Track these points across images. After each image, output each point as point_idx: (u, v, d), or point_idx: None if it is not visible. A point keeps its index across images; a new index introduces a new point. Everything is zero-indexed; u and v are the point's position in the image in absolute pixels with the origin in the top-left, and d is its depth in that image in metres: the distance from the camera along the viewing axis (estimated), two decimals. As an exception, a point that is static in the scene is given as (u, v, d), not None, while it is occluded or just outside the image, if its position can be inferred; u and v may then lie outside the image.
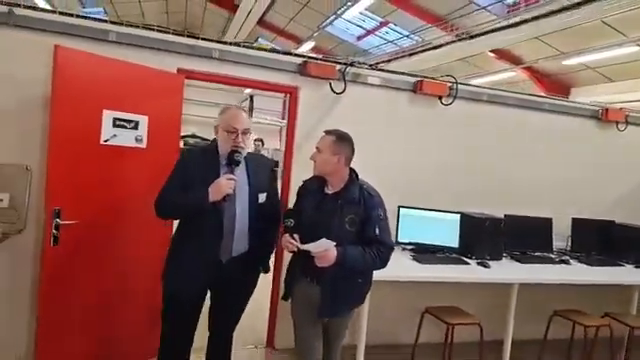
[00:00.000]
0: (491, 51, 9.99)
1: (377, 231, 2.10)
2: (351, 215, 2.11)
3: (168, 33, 3.07)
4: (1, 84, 2.67)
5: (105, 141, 2.62)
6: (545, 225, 3.57)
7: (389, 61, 10.64)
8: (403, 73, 3.59)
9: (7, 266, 2.70)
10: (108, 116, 2.64)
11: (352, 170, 2.23)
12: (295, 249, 2.09)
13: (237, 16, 12.85)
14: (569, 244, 3.71)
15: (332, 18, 11.10)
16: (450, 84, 3.54)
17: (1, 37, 2.67)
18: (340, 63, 3.37)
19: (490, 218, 3.35)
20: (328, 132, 2.23)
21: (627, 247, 3.69)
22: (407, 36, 11.69)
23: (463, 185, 3.59)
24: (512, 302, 3.09)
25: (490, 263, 3.16)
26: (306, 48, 12.42)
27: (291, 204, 3.17)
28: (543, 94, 4.30)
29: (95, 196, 2.60)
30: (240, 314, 2.37)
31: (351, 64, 3.35)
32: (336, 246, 2.01)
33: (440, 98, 3.55)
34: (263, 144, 8.39)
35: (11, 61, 2.68)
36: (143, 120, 2.78)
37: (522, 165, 3.81)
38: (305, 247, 2.03)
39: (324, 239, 1.99)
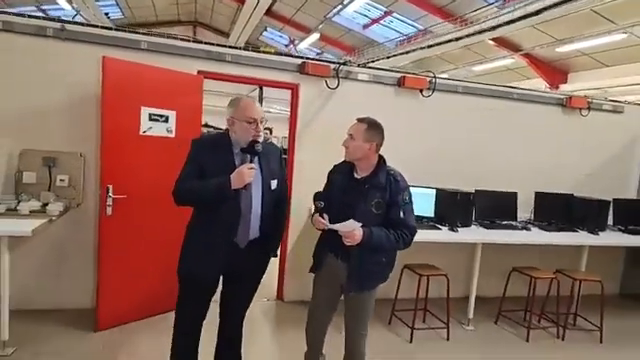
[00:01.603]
0: (491, 39, 10.35)
1: (402, 214, 2.21)
2: (377, 199, 2.20)
3: (189, 41, 3.72)
4: (55, 87, 3.35)
5: (143, 132, 3.30)
6: (511, 198, 4.16)
7: (407, 52, 10.89)
8: (388, 70, 4.18)
9: (71, 233, 3.43)
10: (145, 112, 3.30)
11: (380, 156, 2.32)
12: (325, 227, 2.20)
13: (245, 7, 13.29)
14: (532, 215, 4.30)
15: (339, 8, 11.47)
16: (429, 78, 4.12)
17: (55, 48, 3.34)
18: (334, 63, 3.97)
19: (461, 192, 3.96)
20: (361, 120, 2.28)
21: (584, 217, 4.28)
22: (411, 25, 12.07)
23: (441, 165, 4.19)
24: (477, 260, 3.73)
25: (460, 229, 3.79)
26: (312, 40, 12.84)
27: (295, 183, 3.86)
28: (513, 85, 4.81)
29: (137, 176, 3.27)
30: (251, 299, 2.44)
31: (343, 63, 3.95)
32: (362, 227, 2.12)
33: (421, 91, 4.14)
34: (271, 132, 8.91)
35: (63, 68, 3.35)
36: (172, 114, 3.45)
37: (493, 147, 4.40)
38: (333, 227, 2.15)
39: (351, 220, 2.11)
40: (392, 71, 4.18)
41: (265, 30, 17.48)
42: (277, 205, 2.32)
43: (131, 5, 16.49)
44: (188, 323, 2.30)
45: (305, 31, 14.28)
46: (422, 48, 10.15)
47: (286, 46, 17.12)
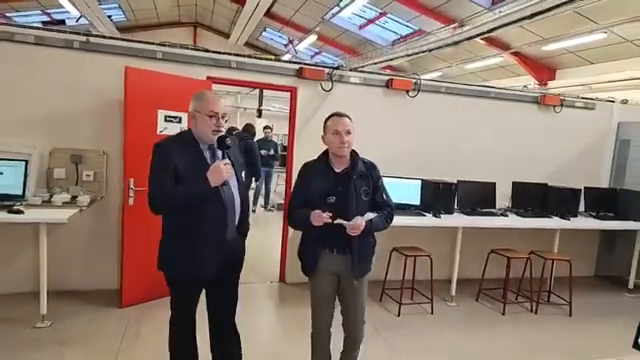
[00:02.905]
0: (481, 38, 10.74)
1: (384, 196, 2.41)
2: (364, 187, 2.33)
3: (199, 50, 4.13)
4: (81, 93, 3.78)
5: (160, 132, 3.73)
6: (490, 188, 4.59)
7: (408, 56, 11.18)
8: (377, 73, 4.61)
9: (97, 221, 3.87)
10: (161, 114, 3.74)
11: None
12: (327, 221, 2.19)
13: (245, 8, 13.67)
14: (510, 203, 4.74)
15: (336, 10, 11.84)
16: (415, 80, 4.55)
17: (81, 58, 3.77)
18: (328, 67, 4.40)
19: (444, 183, 4.39)
20: (345, 115, 2.38)
21: (557, 204, 4.72)
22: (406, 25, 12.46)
23: (426, 158, 4.63)
24: (458, 242, 4.17)
25: (443, 216, 4.22)
26: (310, 41, 13.24)
27: (295, 177, 4.29)
28: (492, 85, 5.24)
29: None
30: (238, 288, 2.40)
31: (336, 68, 4.38)
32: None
33: (407, 92, 4.57)
34: (272, 130, 9.30)
35: (88, 75, 3.78)
36: (184, 116, 3.87)
37: (474, 141, 4.83)
38: (343, 222, 2.20)
39: (357, 217, 2.22)
40: (380, 74, 4.61)
41: (264, 30, 17.82)
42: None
43: (134, 8, 16.82)
44: (186, 318, 2.28)
45: (303, 31, 14.65)
46: (423, 52, 10.51)
47: (285, 46, 17.48)
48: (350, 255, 2.32)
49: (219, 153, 2.16)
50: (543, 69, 11.14)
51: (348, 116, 2.37)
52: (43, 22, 15.81)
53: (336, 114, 2.40)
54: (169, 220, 2.19)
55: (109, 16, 16.49)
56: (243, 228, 2.31)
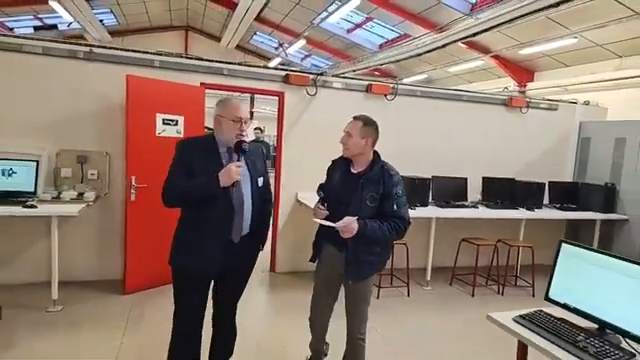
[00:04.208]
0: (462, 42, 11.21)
1: (395, 207, 2.31)
2: (372, 193, 2.30)
3: (193, 59, 4.50)
4: (85, 99, 4.12)
5: (159, 133, 4.09)
6: (462, 183, 5.02)
7: (397, 61, 11.58)
8: (357, 78, 5.02)
9: (101, 216, 4.22)
10: (159, 117, 4.10)
11: (375, 152, 2.46)
12: (325, 214, 2.30)
13: (236, 13, 14.01)
14: (481, 196, 5.17)
15: (324, 15, 12.24)
16: (392, 85, 4.96)
17: (85, 67, 4.12)
18: (313, 73, 4.80)
19: (420, 178, 4.81)
20: (356, 118, 2.41)
21: (524, 197, 5.17)
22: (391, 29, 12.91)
23: (404, 156, 4.90)
24: (432, 232, 4.59)
25: (418, 208, 4.63)
26: (299, 45, 13.64)
27: (284, 175, 4.68)
28: (463, 88, 5.69)
29: (155, 168, 3.94)
30: (242, 291, 2.49)
31: (320, 74, 4.78)
32: (357, 219, 2.23)
33: (385, 95, 4.98)
34: (262, 131, 9.65)
35: (91, 83, 4.13)
36: (181, 119, 4.24)
37: (447, 140, 5.26)
38: (329, 224, 2.26)
39: (347, 217, 2.23)
40: (360, 79, 5.02)
41: (255, 34, 18.16)
42: (263, 200, 2.41)
43: (125, 13, 17.04)
44: (188, 313, 2.32)
45: (293, 35, 15.02)
46: (412, 57, 10.93)
47: (275, 49, 17.83)
48: (343, 254, 2.35)
49: (236, 157, 2.22)
50: (522, 71, 11.64)
51: (357, 118, 2.41)
52: (35, 27, 16.00)
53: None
54: (183, 212, 2.30)
55: (101, 20, 16.71)
56: (257, 235, 2.38)
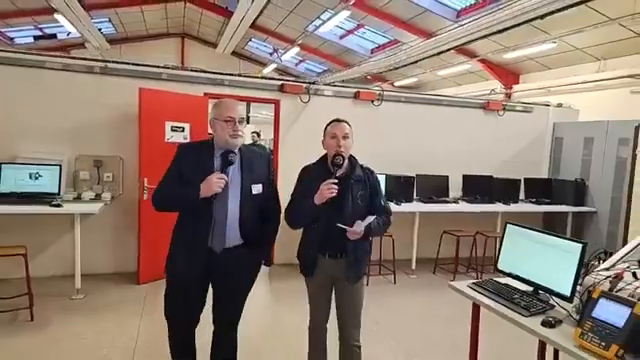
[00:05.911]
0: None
1: (382, 202, 2.44)
2: (360, 192, 2.36)
3: (197, 71, 4.96)
4: (101, 108, 4.57)
5: (167, 139, 4.54)
6: (444, 180, 5.50)
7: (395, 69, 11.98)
8: (346, 86, 5.50)
9: (117, 214, 4.66)
10: (168, 125, 4.56)
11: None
12: (335, 192, 2.24)
13: (232, 21, 14.47)
14: (461, 193, 5.65)
15: (318, 23, 12.73)
16: (378, 91, 5.44)
17: (100, 80, 4.58)
18: (306, 82, 5.26)
19: (405, 176, 5.28)
20: (343, 120, 2.43)
21: (501, 193, 5.65)
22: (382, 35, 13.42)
23: (390, 156, 5.48)
24: (416, 225, 5.05)
25: (403, 204, 5.10)
26: (292, 53, 14.16)
27: (281, 178, 5.13)
28: (452, 91, 6.17)
29: (163, 171, 4.49)
30: (241, 306, 2.38)
31: (312, 83, 5.25)
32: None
33: (372, 101, 5.45)
34: (259, 136, 10.05)
35: (107, 95, 4.58)
36: (187, 126, 4.70)
37: (429, 142, 5.74)
38: (343, 226, 2.25)
39: (358, 221, 2.27)
40: (349, 87, 5.50)
41: (250, 40, 18.63)
42: (265, 211, 2.32)
43: (123, 21, 17.48)
44: (177, 321, 2.35)
45: (287, 41, 15.51)
46: (405, 66, 11.35)
47: (270, 55, 18.31)
48: (344, 259, 2.36)
49: (226, 165, 2.16)
50: (508, 74, 12.18)
51: (347, 122, 2.43)
52: (35, 37, 16.43)
53: (336, 120, 2.45)
54: (177, 219, 2.32)
55: (99, 29, 17.13)
56: (254, 247, 2.27)
